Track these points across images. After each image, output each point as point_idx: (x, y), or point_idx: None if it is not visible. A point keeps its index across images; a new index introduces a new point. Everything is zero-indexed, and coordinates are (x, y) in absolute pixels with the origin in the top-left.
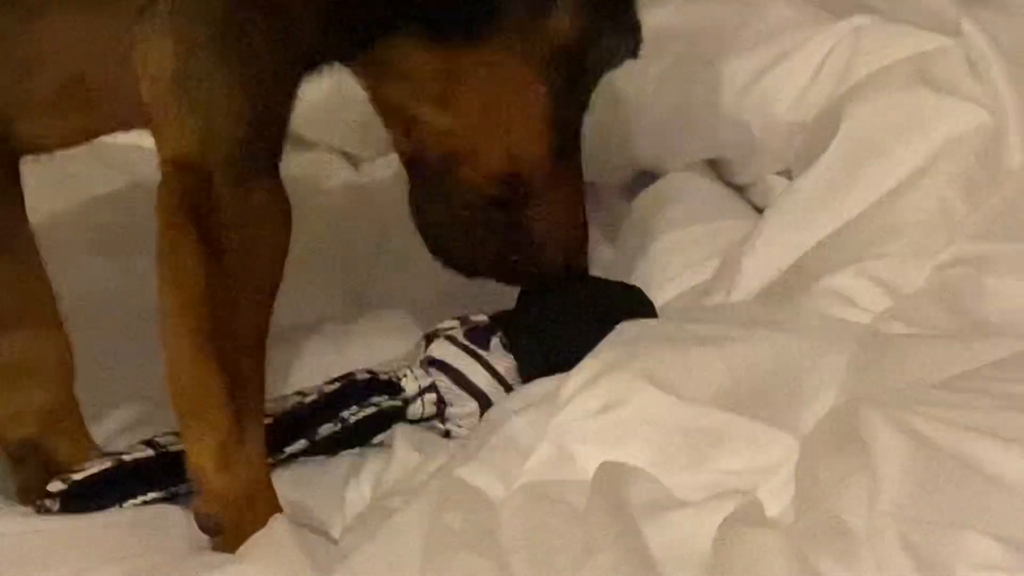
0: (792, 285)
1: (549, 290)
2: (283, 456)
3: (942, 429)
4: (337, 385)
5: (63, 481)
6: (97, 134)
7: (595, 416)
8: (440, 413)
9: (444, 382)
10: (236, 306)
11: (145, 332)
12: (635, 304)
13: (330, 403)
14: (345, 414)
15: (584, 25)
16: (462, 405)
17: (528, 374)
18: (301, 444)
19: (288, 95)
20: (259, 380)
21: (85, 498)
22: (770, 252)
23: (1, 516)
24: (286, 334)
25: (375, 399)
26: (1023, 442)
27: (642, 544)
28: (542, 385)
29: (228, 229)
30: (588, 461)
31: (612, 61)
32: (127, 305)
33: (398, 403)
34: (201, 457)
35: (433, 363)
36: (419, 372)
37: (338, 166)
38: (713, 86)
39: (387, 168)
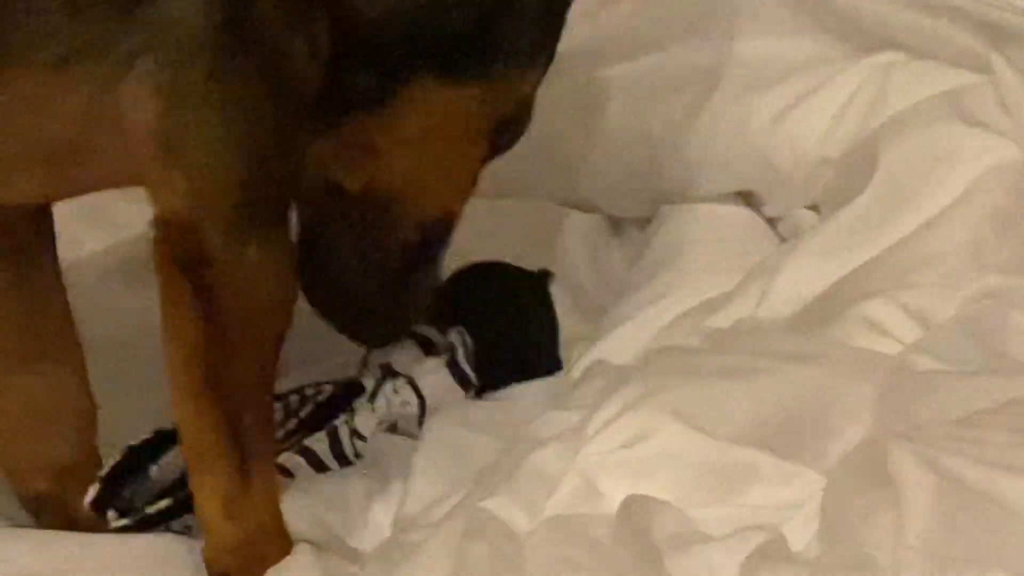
0: (822, 312)
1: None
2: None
3: (968, 465)
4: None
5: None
6: (81, 190)
7: (621, 450)
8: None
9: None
10: (238, 359)
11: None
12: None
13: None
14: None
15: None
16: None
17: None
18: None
19: (288, 145)
20: (267, 425)
21: (114, 493)
22: (801, 278)
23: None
24: None
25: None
26: None
27: None
28: (568, 416)
29: (223, 285)
30: (614, 494)
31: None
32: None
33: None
34: (207, 506)
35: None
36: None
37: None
38: (741, 120)
39: None
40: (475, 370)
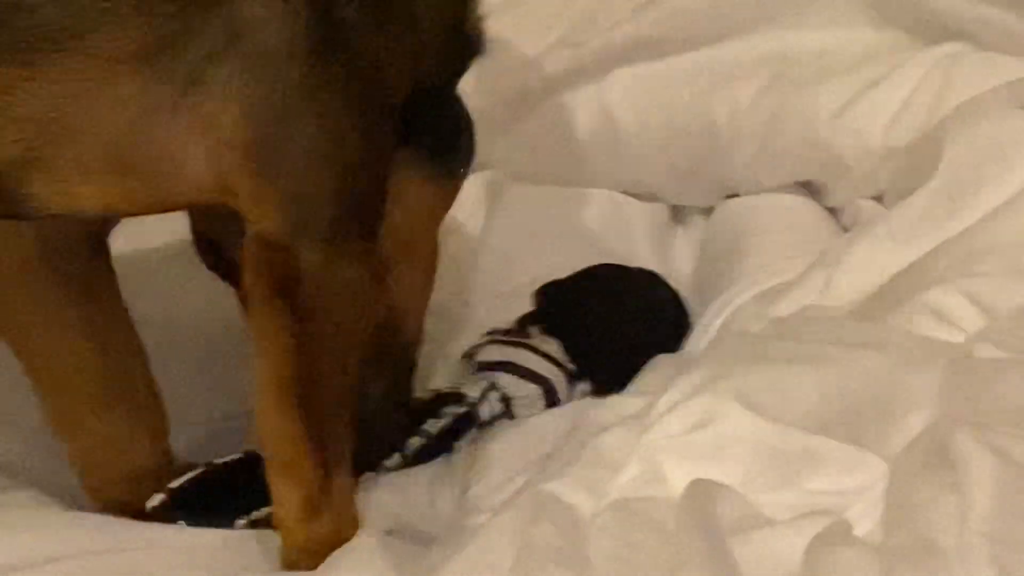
0: (887, 301)
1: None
2: (382, 471)
3: None
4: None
5: (164, 492)
6: (152, 208)
7: (686, 434)
8: (508, 409)
9: (503, 378)
10: (326, 374)
11: (228, 350)
12: (654, 285)
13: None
14: (426, 427)
15: None
16: (523, 389)
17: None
18: (396, 459)
19: (381, 154)
20: (347, 433)
21: (184, 508)
22: (866, 266)
23: (114, 528)
24: None
25: (447, 410)
26: None
27: (731, 562)
28: (633, 401)
29: (317, 302)
30: (678, 479)
31: None
32: (212, 322)
33: (466, 408)
34: (287, 509)
35: (484, 367)
36: (474, 378)
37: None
38: (805, 110)
39: (476, 185)
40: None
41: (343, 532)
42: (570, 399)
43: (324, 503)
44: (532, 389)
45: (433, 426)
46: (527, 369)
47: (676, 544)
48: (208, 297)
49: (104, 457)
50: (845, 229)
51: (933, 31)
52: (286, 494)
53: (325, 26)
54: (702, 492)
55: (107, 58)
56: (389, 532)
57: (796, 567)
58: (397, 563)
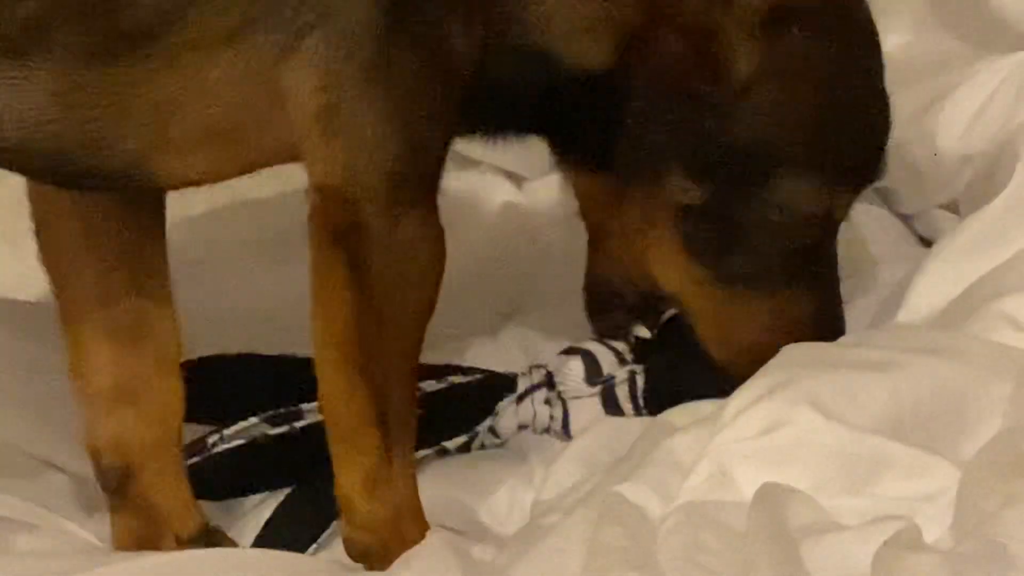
0: (962, 309)
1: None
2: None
3: None
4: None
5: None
6: (242, 170)
7: (756, 437)
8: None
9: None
10: (387, 334)
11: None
12: None
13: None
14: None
15: None
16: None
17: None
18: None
19: (444, 126)
20: (410, 406)
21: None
22: (942, 279)
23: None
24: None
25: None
26: None
27: (800, 567)
28: (704, 404)
29: (378, 259)
30: (748, 482)
31: None
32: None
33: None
34: (350, 483)
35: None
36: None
37: (499, 185)
38: None
39: (549, 189)
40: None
41: (407, 518)
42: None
43: (386, 481)
44: (574, 365)
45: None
46: (597, 363)
47: (745, 548)
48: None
49: (118, 420)
50: (918, 236)
51: (1011, 38)
52: (348, 464)
53: (400, 2)
54: (772, 496)
55: (213, 37)
56: (453, 529)
57: (865, 572)
58: (466, 565)
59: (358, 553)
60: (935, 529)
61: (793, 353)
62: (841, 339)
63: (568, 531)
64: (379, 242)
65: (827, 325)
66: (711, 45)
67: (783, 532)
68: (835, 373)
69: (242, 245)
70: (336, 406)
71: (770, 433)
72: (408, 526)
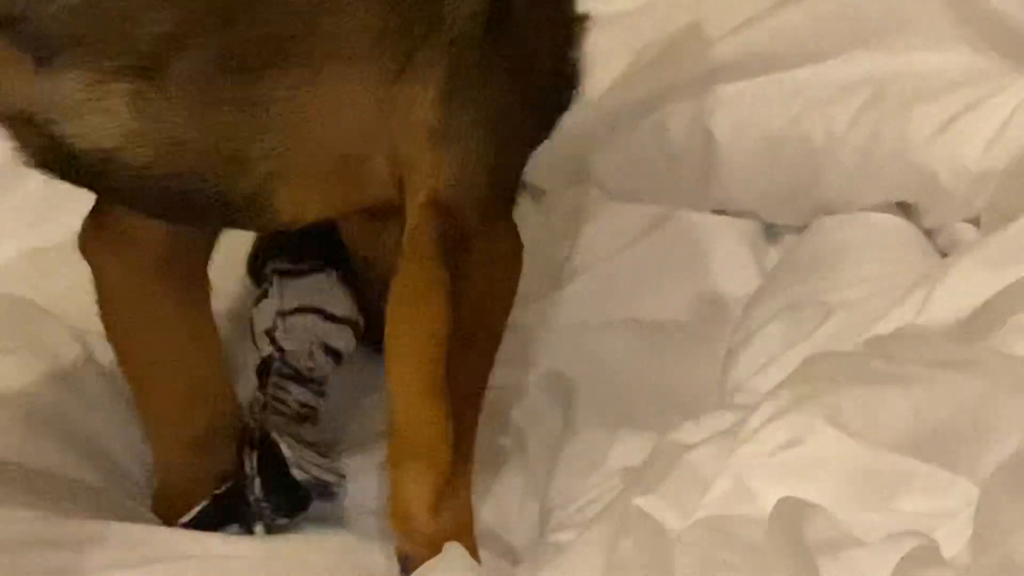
0: (982, 323)
1: None
2: None
3: None
4: None
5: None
6: (347, 209)
7: (776, 453)
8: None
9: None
10: (469, 349)
11: None
12: None
13: None
14: None
15: None
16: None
17: None
18: None
19: (533, 135)
20: (474, 428)
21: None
22: (963, 289)
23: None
24: None
25: None
26: None
27: None
28: (724, 418)
29: (476, 270)
30: (767, 497)
31: None
32: None
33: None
34: (415, 499)
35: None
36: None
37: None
38: (902, 131)
39: (569, 201)
40: None
41: (463, 536)
42: None
43: (450, 498)
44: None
45: None
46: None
47: (764, 562)
48: None
49: (177, 412)
50: (940, 251)
51: None
52: (417, 482)
53: (500, 12)
54: (791, 511)
55: (344, 56)
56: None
57: None
58: None
59: (413, 568)
60: (954, 545)
61: (814, 365)
62: (862, 350)
63: (587, 545)
64: (479, 250)
65: None
66: None
67: (801, 547)
68: (855, 387)
69: None
70: (413, 424)
71: (789, 448)
72: (465, 543)
